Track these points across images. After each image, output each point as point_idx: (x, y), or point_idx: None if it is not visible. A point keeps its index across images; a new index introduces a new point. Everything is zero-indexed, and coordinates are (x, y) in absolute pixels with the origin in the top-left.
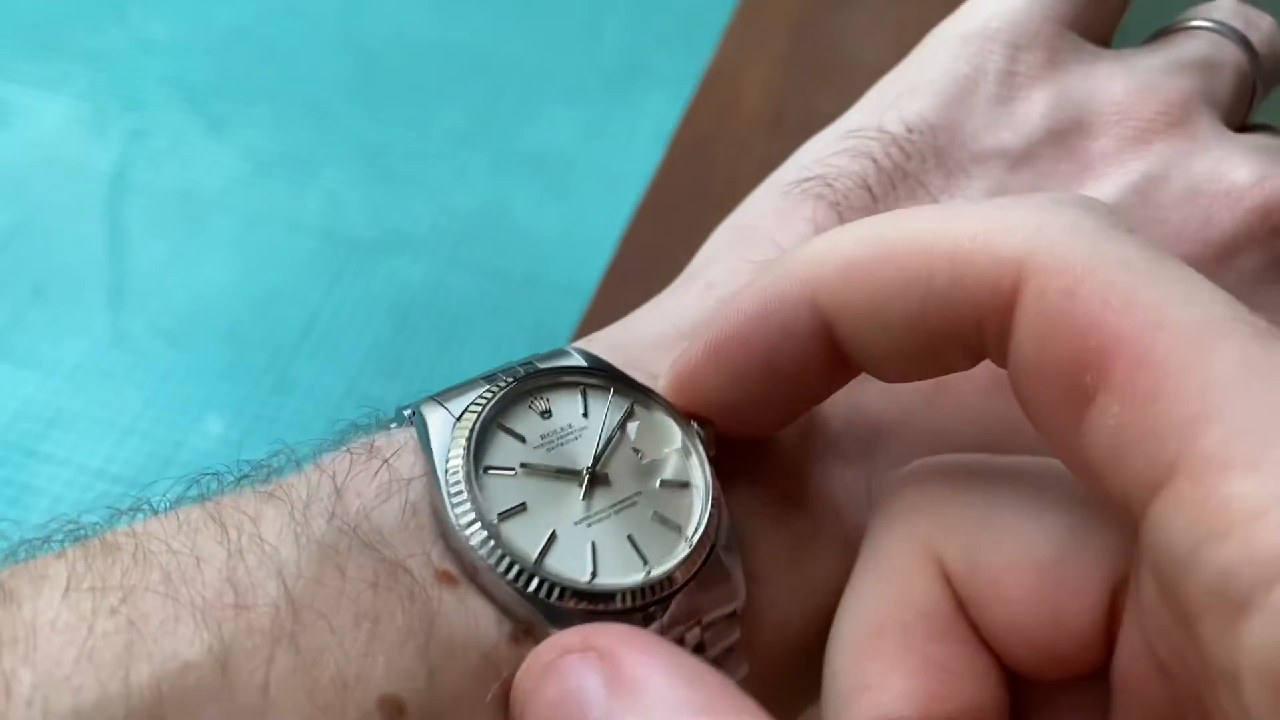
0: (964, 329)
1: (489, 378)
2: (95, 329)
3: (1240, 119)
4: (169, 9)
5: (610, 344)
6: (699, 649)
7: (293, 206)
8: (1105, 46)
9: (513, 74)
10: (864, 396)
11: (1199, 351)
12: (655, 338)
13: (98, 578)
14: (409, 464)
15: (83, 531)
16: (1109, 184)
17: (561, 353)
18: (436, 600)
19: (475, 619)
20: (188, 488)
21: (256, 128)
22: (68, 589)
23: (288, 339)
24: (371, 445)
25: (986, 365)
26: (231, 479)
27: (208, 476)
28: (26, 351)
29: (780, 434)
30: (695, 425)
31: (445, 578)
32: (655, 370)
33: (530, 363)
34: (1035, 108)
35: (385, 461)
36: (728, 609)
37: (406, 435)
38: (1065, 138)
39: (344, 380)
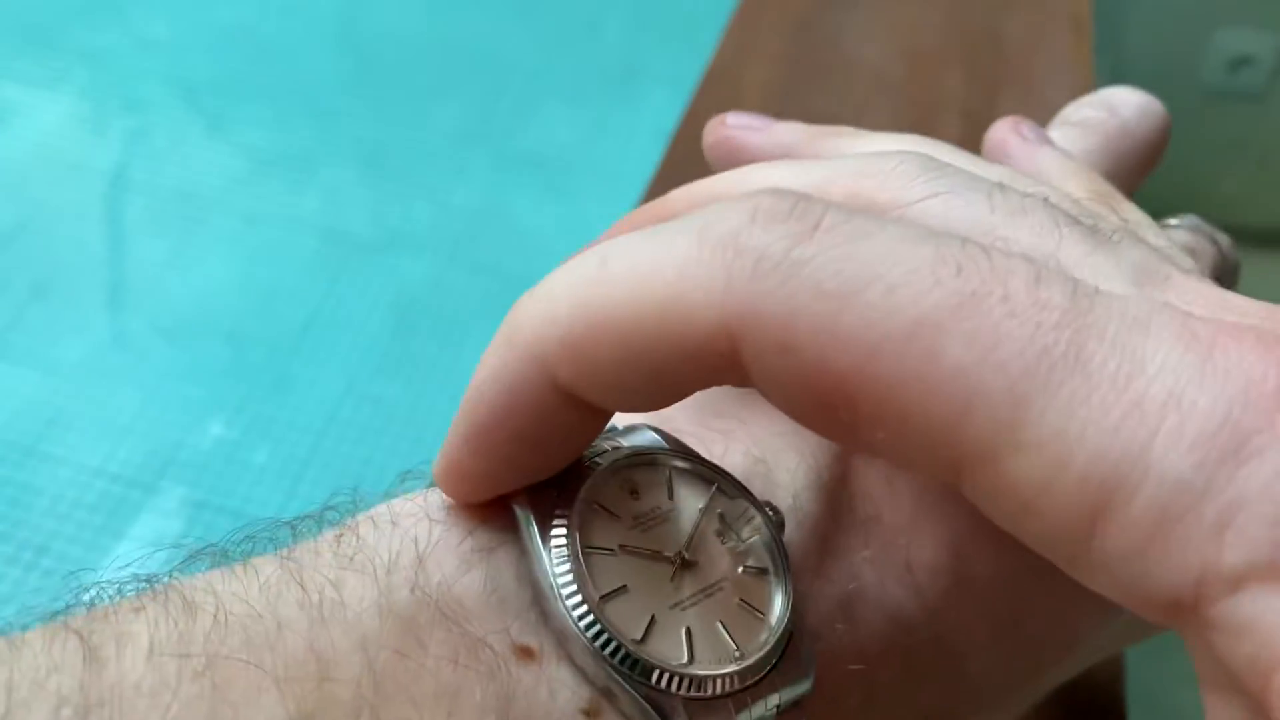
0: (705, 379)
1: None
2: (95, 328)
3: None
4: (169, 8)
5: (654, 418)
6: None
7: (292, 206)
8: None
9: (512, 73)
10: (899, 472)
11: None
12: (697, 403)
13: (181, 641)
14: (490, 534)
15: (155, 580)
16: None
17: (639, 429)
18: (515, 678)
19: (554, 695)
20: (255, 534)
21: (256, 127)
22: (151, 651)
23: (287, 338)
24: (451, 511)
25: None
26: (302, 529)
27: (281, 526)
28: (26, 350)
29: (832, 518)
30: (769, 510)
31: (524, 653)
32: (707, 441)
33: (613, 437)
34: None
35: (470, 532)
36: (802, 693)
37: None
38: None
39: (344, 379)
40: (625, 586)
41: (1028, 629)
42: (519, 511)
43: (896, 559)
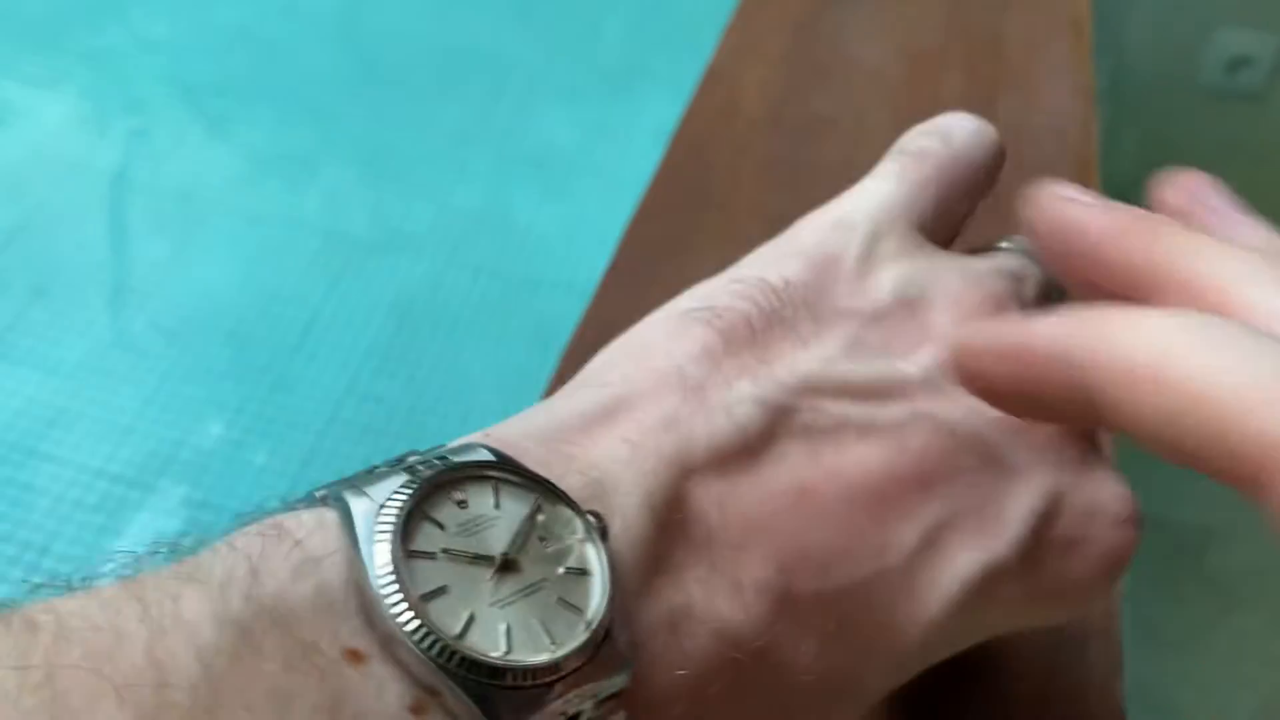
0: (1206, 471)
1: (404, 466)
2: (96, 329)
3: None
4: (170, 8)
5: (505, 439)
6: None
7: (293, 206)
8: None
9: (512, 74)
10: (737, 492)
11: None
12: (554, 429)
13: (22, 655)
14: (319, 544)
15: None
16: (942, 350)
17: (471, 447)
18: (345, 679)
19: (381, 694)
20: (103, 566)
21: (257, 127)
22: None
23: (288, 338)
24: (281, 525)
25: (860, 467)
26: (148, 557)
27: (123, 555)
28: (27, 351)
29: (661, 527)
30: (592, 518)
31: (353, 656)
32: (550, 464)
33: (444, 456)
34: (885, 283)
35: (298, 543)
36: (620, 685)
37: (315, 517)
38: (910, 306)
39: (344, 379)
40: (445, 587)
41: (853, 640)
42: (345, 524)
43: (726, 578)
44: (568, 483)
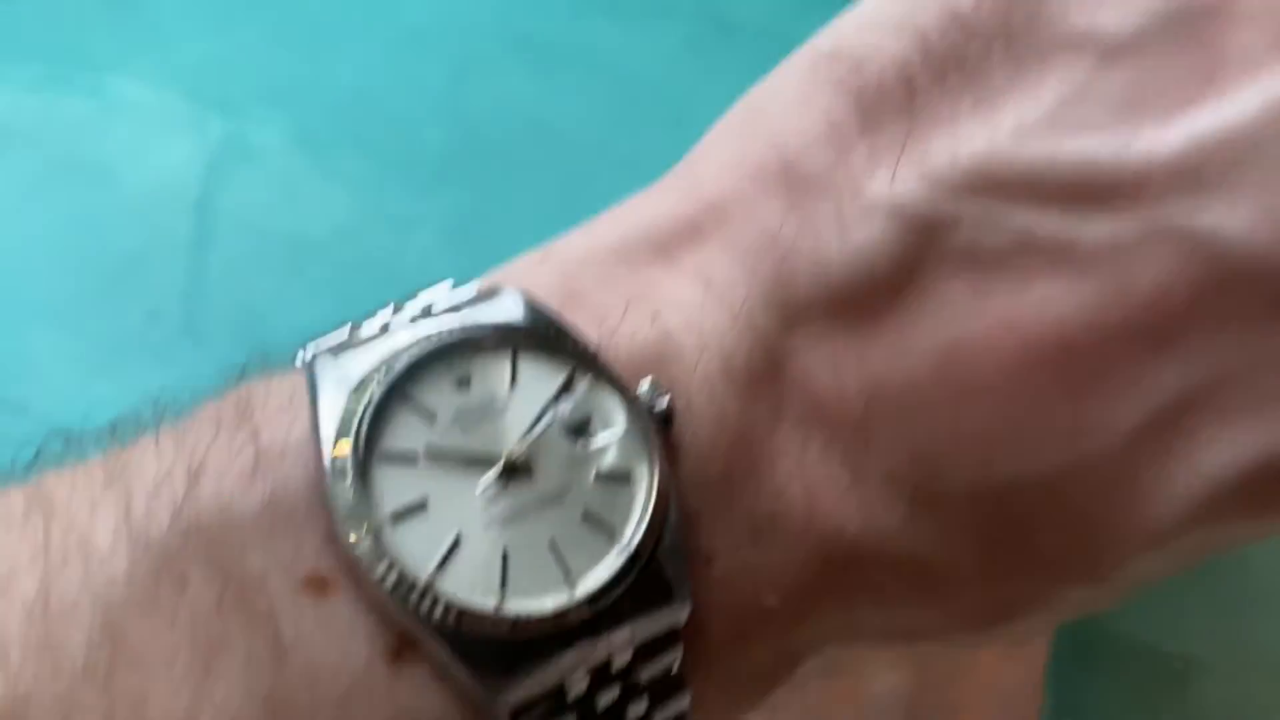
0: None
1: (399, 320)
2: (185, 362)
3: None
4: (290, 63)
5: (564, 265)
6: (627, 673)
7: (390, 262)
8: None
9: (605, 159)
10: (860, 349)
11: None
12: (621, 253)
13: None
14: (280, 433)
15: None
16: (1237, 103)
17: (496, 294)
18: (295, 619)
19: (344, 638)
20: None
21: (360, 182)
22: None
23: None
24: (246, 402)
25: (1049, 315)
26: (88, 441)
27: (56, 436)
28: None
29: (750, 399)
30: (649, 396)
31: (316, 585)
32: (605, 313)
33: (458, 307)
34: None
35: (255, 432)
36: (667, 625)
37: (289, 389)
38: (1191, 22)
39: None
40: (424, 502)
41: (1022, 557)
42: (313, 407)
43: (838, 470)
44: (621, 338)
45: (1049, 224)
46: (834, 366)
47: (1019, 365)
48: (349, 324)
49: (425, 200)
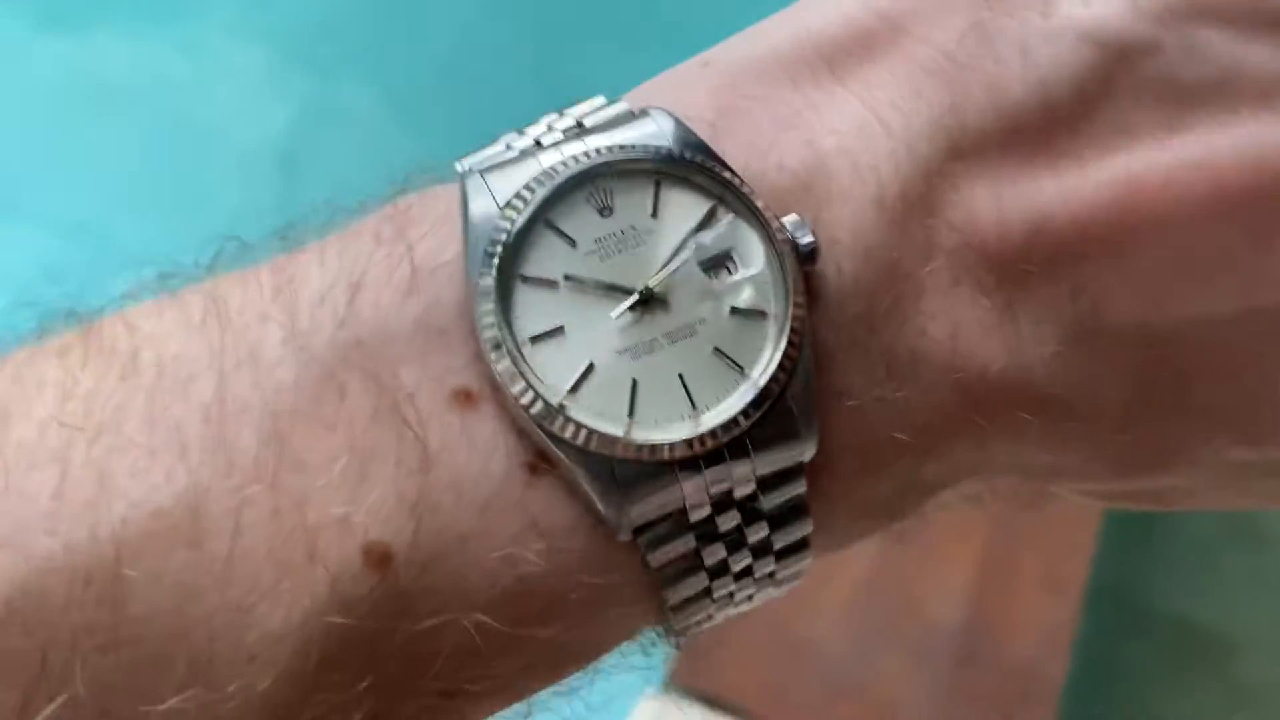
0: None
1: (546, 142)
2: None
3: None
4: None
5: (724, 76)
6: (750, 501)
7: None
8: None
9: None
10: (1030, 185)
11: None
12: (786, 64)
13: (83, 402)
14: (434, 250)
15: (87, 316)
16: None
17: (649, 115)
18: (442, 431)
19: (485, 451)
20: (213, 254)
21: (448, 145)
22: (53, 414)
23: None
24: (406, 216)
25: (1247, 154)
26: (260, 246)
27: (232, 242)
28: None
29: (902, 232)
30: (795, 234)
31: (462, 399)
32: (757, 136)
33: (607, 124)
34: None
35: (410, 247)
36: (792, 461)
37: (443, 205)
38: None
39: None
40: (561, 328)
41: (1189, 400)
42: (464, 226)
43: (988, 306)
44: (769, 166)
45: (1260, 56)
46: (997, 198)
47: (1206, 205)
48: (508, 134)
49: None
